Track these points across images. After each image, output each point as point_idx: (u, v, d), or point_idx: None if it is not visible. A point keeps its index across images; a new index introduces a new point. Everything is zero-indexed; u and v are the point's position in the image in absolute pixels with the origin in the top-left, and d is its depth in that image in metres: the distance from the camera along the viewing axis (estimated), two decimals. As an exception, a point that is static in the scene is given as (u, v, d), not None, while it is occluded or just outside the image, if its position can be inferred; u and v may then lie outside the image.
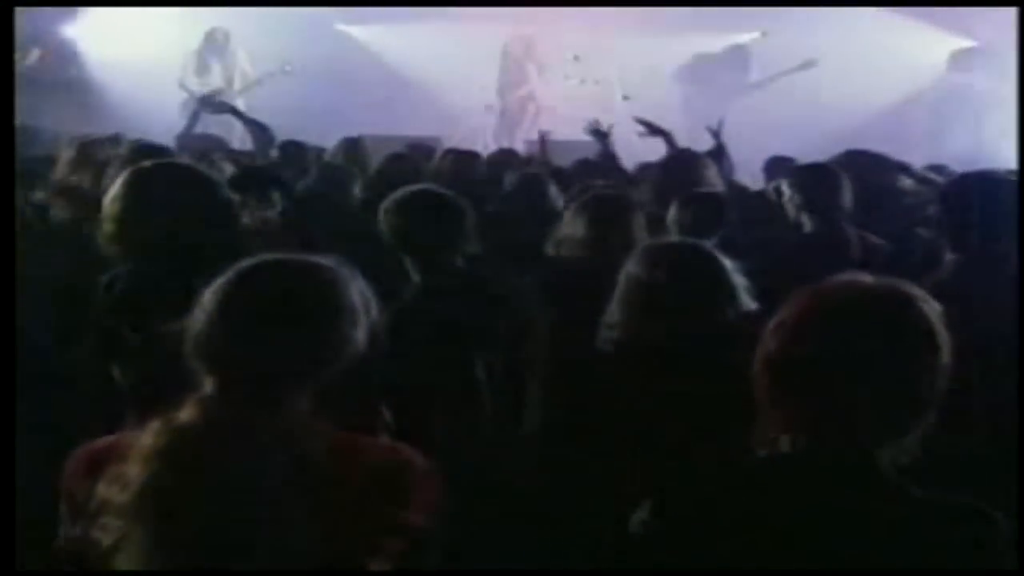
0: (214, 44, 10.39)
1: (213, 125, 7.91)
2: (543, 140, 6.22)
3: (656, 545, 1.66)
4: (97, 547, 1.59)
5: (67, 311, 3.09)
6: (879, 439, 1.62)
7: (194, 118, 6.41)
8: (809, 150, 7.57)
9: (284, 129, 6.57)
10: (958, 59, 11.01)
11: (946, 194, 3.14)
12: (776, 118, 9.97)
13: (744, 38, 11.27)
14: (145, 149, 4.23)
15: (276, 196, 3.91)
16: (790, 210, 4.18)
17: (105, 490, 1.60)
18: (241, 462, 1.58)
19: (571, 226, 3.65)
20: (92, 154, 4.69)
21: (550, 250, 3.76)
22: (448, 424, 2.98)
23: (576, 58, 10.96)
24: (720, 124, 5.67)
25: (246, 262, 1.74)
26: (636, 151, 6.56)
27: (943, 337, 1.62)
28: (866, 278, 1.67)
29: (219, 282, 1.72)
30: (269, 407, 1.64)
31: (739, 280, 2.75)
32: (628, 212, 3.67)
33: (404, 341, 2.18)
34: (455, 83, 10.88)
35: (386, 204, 3.22)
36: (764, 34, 10.97)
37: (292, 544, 1.57)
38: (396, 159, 5.71)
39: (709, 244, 3.05)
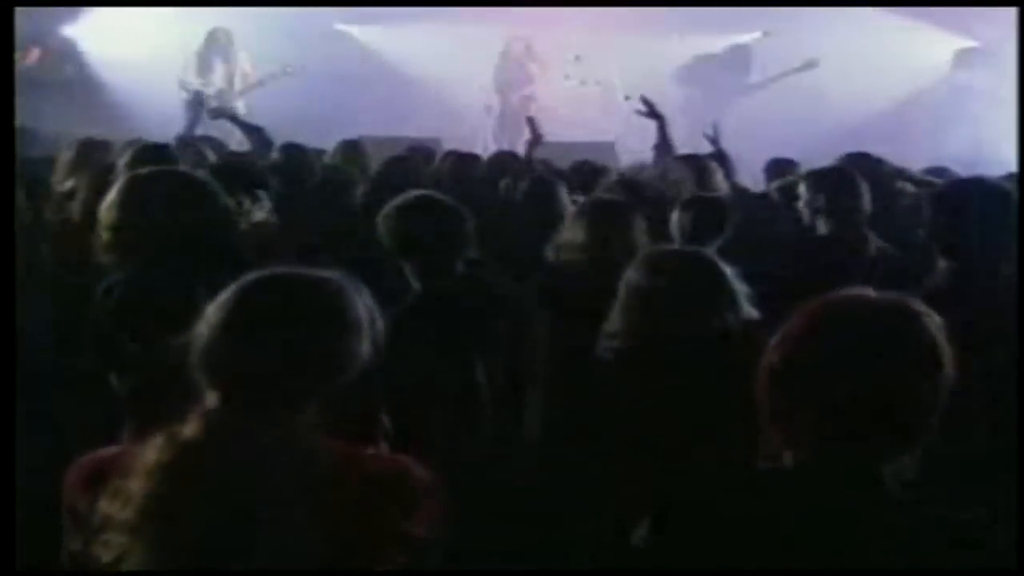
0: (217, 44, 10.32)
1: (212, 127, 7.90)
2: (532, 143, 6.15)
3: (656, 560, 1.66)
4: (98, 563, 1.58)
5: (67, 315, 3.09)
6: (882, 454, 1.62)
7: (192, 124, 6.40)
8: (810, 150, 7.58)
9: (283, 130, 6.56)
10: (959, 59, 11.00)
11: (937, 202, 3.13)
12: (777, 118, 9.97)
13: (745, 38, 11.26)
14: (150, 150, 4.22)
15: (263, 193, 3.88)
16: (805, 213, 4.19)
17: (107, 506, 1.59)
18: (244, 478, 1.58)
19: (571, 231, 3.65)
20: (92, 156, 4.69)
21: (551, 255, 3.75)
22: (448, 428, 2.98)
23: (577, 59, 10.95)
24: (716, 131, 5.67)
25: (250, 276, 1.73)
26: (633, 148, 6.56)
27: (946, 351, 1.62)
28: (868, 292, 1.67)
29: (224, 296, 1.71)
30: (273, 422, 1.64)
31: (740, 287, 2.75)
32: (629, 216, 3.66)
33: (404, 346, 2.18)
34: (455, 83, 10.88)
35: (386, 211, 3.21)
36: (765, 34, 10.96)
37: (295, 559, 1.57)
38: (396, 162, 5.70)
39: (710, 250, 3.05)
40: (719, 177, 5.09)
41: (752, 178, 6.40)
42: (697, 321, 2.71)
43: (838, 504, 1.60)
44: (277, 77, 9.95)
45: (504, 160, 6.27)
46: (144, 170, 2.90)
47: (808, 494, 1.61)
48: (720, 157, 5.43)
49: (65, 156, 4.80)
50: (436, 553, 1.70)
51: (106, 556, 1.57)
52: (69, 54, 10.51)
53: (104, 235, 2.68)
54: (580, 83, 10.94)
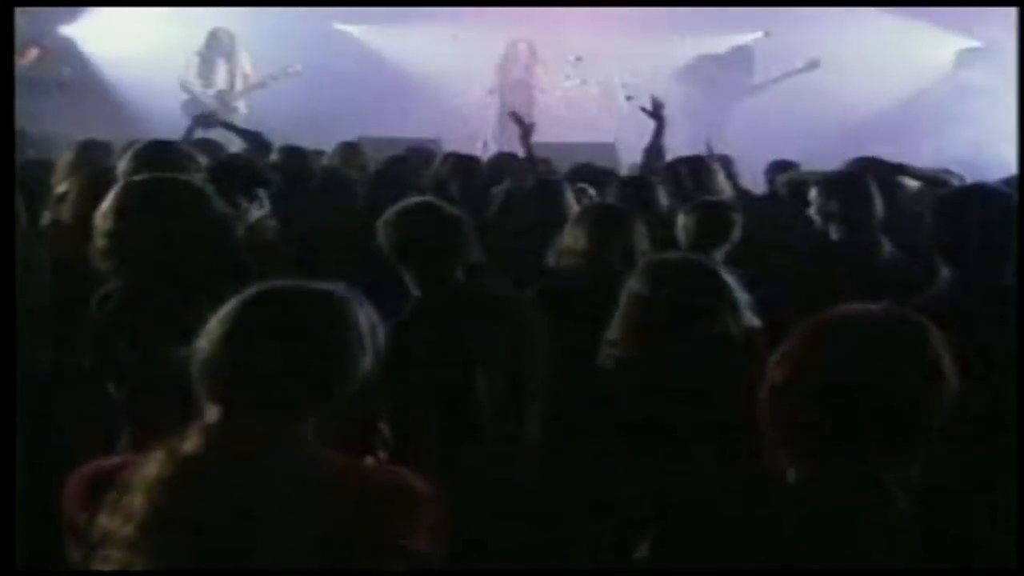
0: (219, 45, 10.27)
1: (214, 131, 7.87)
2: (525, 135, 6.13)
3: (657, 564, 1.65)
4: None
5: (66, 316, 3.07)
6: (886, 467, 1.61)
7: (189, 133, 6.39)
8: (811, 150, 7.57)
9: (282, 130, 6.55)
10: (961, 59, 10.99)
11: (939, 209, 3.12)
12: (778, 119, 9.96)
13: (747, 39, 11.23)
14: (152, 148, 4.19)
15: (261, 192, 3.86)
16: (817, 218, 4.19)
17: (107, 521, 1.59)
18: (245, 494, 1.57)
19: (572, 236, 3.63)
20: (92, 158, 4.67)
21: (551, 260, 3.73)
22: (449, 435, 2.97)
23: (578, 59, 10.93)
24: (709, 147, 5.67)
25: (252, 289, 1.72)
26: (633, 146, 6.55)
27: (949, 365, 1.62)
28: (868, 307, 1.66)
29: (225, 309, 1.70)
30: (274, 436, 1.63)
31: (742, 295, 2.73)
32: (629, 222, 3.64)
33: (405, 353, 2.17)
34: (455, 83, 10.86)
35: (385, 217, 3.20)
36: (767, 35, 10.94)
37: (296, 573, 1.57)
38: (396, 161, 5.69)
39: (718, 255, 3.04)
40: (721, 178, 5.07)
41: (752, 178, 6.39)
42: (698, 330, 2.70)
43: (841, 512, 1.59)
44: (278, 78, 9.92)
45: (504, 161, 6.26)
46: (140, 177, 2.88)
47: (811, 504, 1.61)
48: (723, 160, 5.41)
49: (65, 158, 4.78)
50: (436, 563, 1.68)
51: (106, 570, 1.56)
52: (67, 54, 10.47)
53: (100, 242, 2.67)
54: (581, 84, 10.93)
